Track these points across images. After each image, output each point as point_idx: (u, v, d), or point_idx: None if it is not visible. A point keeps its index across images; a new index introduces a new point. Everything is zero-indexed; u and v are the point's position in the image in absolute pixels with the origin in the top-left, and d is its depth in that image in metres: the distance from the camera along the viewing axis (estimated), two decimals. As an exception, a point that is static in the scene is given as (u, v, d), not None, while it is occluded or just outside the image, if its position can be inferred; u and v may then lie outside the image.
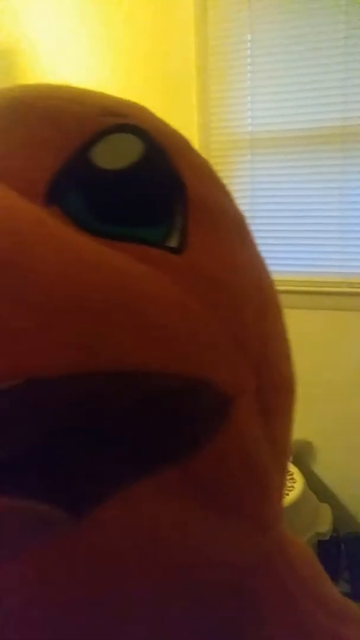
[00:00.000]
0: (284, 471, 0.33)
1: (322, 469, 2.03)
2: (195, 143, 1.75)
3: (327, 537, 1.64)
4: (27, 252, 0.21)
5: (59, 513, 0.22)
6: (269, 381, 0.30)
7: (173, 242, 0.27)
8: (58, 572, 0.24)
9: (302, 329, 1.98)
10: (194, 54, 1.91)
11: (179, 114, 1.98)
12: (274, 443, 0.30)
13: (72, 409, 0.22)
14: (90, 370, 0.21)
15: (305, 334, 1.98)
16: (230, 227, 0.32)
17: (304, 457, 2.02)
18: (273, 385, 0.31)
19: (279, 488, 0.32)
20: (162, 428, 0.24)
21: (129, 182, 0.27)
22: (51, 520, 0.23)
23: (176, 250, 0.27)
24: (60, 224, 0.24)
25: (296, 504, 1.56)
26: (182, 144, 0.33)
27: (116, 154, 0.27)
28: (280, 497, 0.33)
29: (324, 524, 1.66)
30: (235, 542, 0.28)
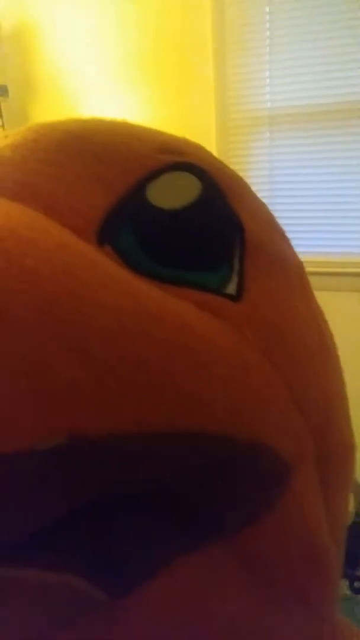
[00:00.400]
0: (340, 549, 0.30)
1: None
2: (213, 121, 1.71)
3: (349, 522, 1.62)
4: (86, 297, 0.19)
5: (97, 592, 0.20)
6: (330, 448, 0.28)
7: (231, 289, 0.25)
8: None
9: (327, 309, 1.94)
10: (211, 28, 1.86)
11: (195, 90, 1.94)
12: (332, 517, 0.27)
13: (116, 473, 0.19)
14: (142, 431, 0.19)
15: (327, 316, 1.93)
16: (289, 274, 0.31)
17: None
18: (334, 453, 0.28)
19: (337, 569, 0.29)
20: (215, 498, 0.22)
21: (185, 223, 0.25)
22: (89, 599, 0.20)
23: (234, 297, 0.25)
24: (116, 266, 0.22)
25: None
26: (241, 185, 0.31)
27: (173, 193, 0.26)
28: (338, 579, 0.30)
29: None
30: (288, 632, 0.26)
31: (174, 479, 0.21)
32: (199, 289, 0.24)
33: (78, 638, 0.21)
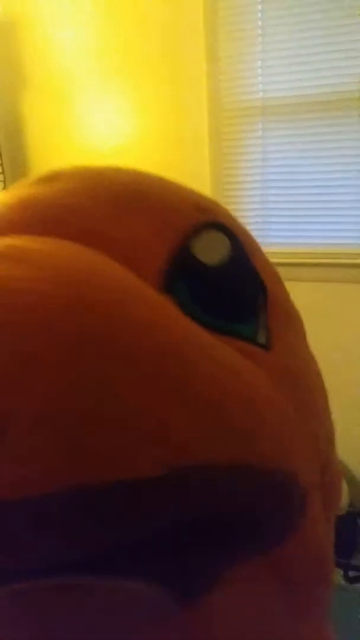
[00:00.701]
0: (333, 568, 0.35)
1: (338, 445, 2.00)
2: (205, 111, 1.70)
3: (344, 512, 1.62)
4: (176, 355, 0.23)
5: (170, 599, 0.24)
6: (329, 478, 0.32)
7: (262, 339, 0.29)
8: None
9: (314, 303, 1.94)
10: (203, 18, 1.84)
11: (187, 80, 1.92)
12: (330, 534, 0.33)
13: (196, 500, 0.23)
14: (214, 463, 0.23)
15: (318, 308, 1.93)
16: (298, 327, 0.35)
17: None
18: (331, 482, 0.33)
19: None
20: (259, 521, 0.26)
21: (224, 278, 0.29)
22: (164, 605, 0.24)
23: (266, 347, 0.29)
24: (188, 319, 0.25)
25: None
26: (257, 244, 0.35)
27: (210, 250, 0.29)
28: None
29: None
30: (303, 634, 0.30)
31: (232, 504, 0.24)
32: (240, 338, 0.27)
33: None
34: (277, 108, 1.84)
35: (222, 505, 0.24)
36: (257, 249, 0.35)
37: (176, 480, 0.22)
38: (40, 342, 0.20)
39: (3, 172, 2.31)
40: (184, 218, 0.30)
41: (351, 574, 1.50)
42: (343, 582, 1.50)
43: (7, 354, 0.20)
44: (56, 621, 0.24)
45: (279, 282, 0.35)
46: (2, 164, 2.31)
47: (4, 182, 2.30)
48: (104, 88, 2.10)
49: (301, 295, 1.71)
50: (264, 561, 0.26)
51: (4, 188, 2.23)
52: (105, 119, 2.13)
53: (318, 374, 0.35)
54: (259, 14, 1.79)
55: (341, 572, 1.51)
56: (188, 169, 2.01)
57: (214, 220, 0.31)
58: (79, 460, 0.21)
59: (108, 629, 0.24)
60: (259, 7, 1.78)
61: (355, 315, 1.90)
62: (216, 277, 0.28)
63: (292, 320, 0.34)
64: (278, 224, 1.93)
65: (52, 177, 0.31)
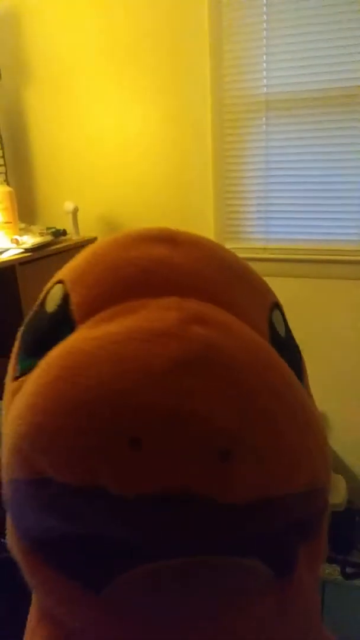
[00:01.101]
0: None
1: (336, 443, 2.00)
2: (208, 106, 1.69)
3: (342, 509, 1.63)
4: (291, 389, 0.35)
5: (267, 570, 0.34)
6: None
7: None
8: (272, 621, 0.35)
9: (314, 299, 1.94)
10: (207, 13, 1.83)
11: (190, 74, 1.91)
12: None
13: (306, 508, 0.36)
14: (314, 487, 0.36)
15: (318, 304, 1.93)
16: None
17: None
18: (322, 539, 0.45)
19: None
20: (314, 520, 0.40)
21: (289, 345, 0.43)
22: (265, 576, 0.34)
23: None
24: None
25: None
26: None
27: (279, 324, 0.42)
28: None
29: (338, 496, 1.64)
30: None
31: (312, 511, 0.38)
32: None
33: (260, 607, 0.34)
34: (280, 103, 1.83)
35: (311, 512, 0.38)
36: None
37: (307, 496, 0.35)
38: (267, 396, 0.32)
39: (5, 165, 2.30)
40: (269, 296, 0.43)
41: (348, 570, 1.50)
42: (340, 578, 1.50)
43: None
44: (192, 592, 0.33)
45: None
46: (4, 156, 2.30)
47: (5, 174, 2.30)
48: (107, 82, 2.08)
49: (302, 291, 1.73)
50: (307, 550, 0.38)
51: (6, 180, 2.23)
52: (108, 112, 2.12)
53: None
54: (264, 9, 1.77)
55: (338, 569, 1.51)
56: (190, 163, 2.00)
57: (276, 300, 0.44)
58: (281, 479, 0.32)
59: (227, 599, 0.34)
60: (264, 2, 1.76)
61: (356, 311, 1.89)
62: (285, 344, 0.40)
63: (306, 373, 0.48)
64: (279, 219, 1.92)
65: (173, 240, 0.40)
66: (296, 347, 0.43)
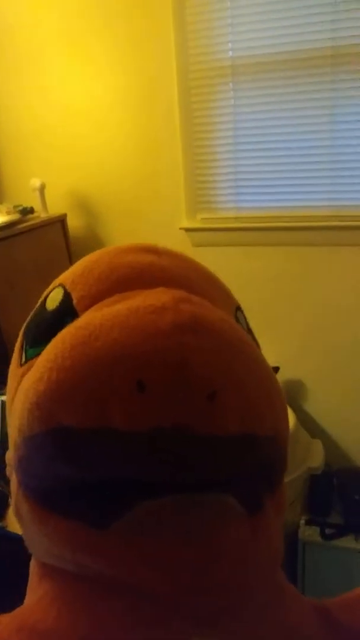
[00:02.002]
0: None
1: (314, 408, 2.04)
2: (173, 74, 1.64)
3: (320, 472, 1.66)
4: (259, 352, 0.46)
5: (241, 508, 0.41)
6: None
7: None
8: (247, 544, 0.42)
9: (288, 267, 1.94)
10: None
11: (154, 42, 1.86)
12: None
13: (268, 452, 0.43)
14: (279, 433, 0.43)
15: (291, 272, 1.94)
16: None
17: (295, 396, 2.03)
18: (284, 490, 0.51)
19: None
20: (278, 467, 0.46)
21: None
22: (234, 513, 0.41)
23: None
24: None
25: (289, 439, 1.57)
26: None
27: (241, 321, 0.52)
28: None
29: (316, 459, 1.68)
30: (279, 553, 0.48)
31: (271, 455, 0.44)
32: None
33: (236, 532, 0.41)
34: (247, 68, 1.79)
35: (275, 457, 0.44)
36: None
37: (272, 440, 0.42)
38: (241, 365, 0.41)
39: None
40: (233, 299, 0.54)
41: (327, 531, 1.54)
42: (320, 539, 1.54)
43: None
44: (186, 522, 0.39)
45: None
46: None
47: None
48: (70, 54, 2.01)
49: (275, 259, 1.72)
50: (272, 500, 0.45)
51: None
52: (71, 86, 2.05)
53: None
54: (227, -31, 1.72)
55: (318, 530, 1.55)
56: (158, 134, 1.96)
57: (238, 304, 0.54)
58: (256, 418, 0.40)
59: (213, 526, 0.40)
60: None
61: (330, 277, 1.90)
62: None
63: None
64: (250, 187, 1.90)
65: (156, 251, 0.50)
66: (257, 344, 0.51)
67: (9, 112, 2.18)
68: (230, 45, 1.80)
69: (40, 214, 2.03)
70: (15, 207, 1.98)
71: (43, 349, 0.42)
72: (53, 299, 0.48)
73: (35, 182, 2.02)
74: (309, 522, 1.57)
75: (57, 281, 0.51)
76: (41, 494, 0.42)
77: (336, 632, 0.50)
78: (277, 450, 0.45)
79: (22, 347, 0.49)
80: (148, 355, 0.36)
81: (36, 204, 2.03)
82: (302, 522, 1.58)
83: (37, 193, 2.02)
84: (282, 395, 0.46)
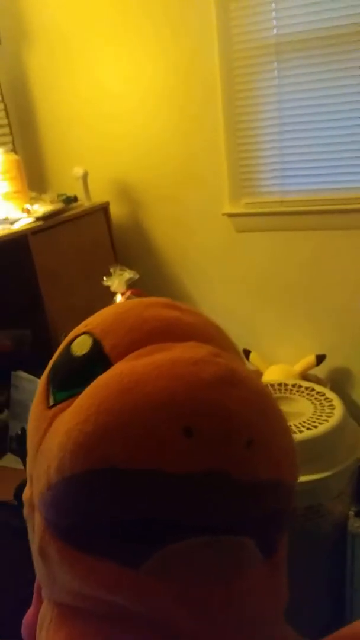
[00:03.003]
0: None
1: (352, 391, 1.98)
2: (214, 52, 1.60)
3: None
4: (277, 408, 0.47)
5: (258, 552, 0.44)
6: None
7: None
8: (259, 590, 0.45)
9: (336, 251, 1.88)
10: None
11: (192, 18, 1.82)
12: None
13: (281, 498, 0.45)
14: (294, 481, 0.47)
15: (342, 256, 1.88)
16: None
17: (342, 384, 1.98)
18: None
19: None
20: (292, 511, 0.48)
21: None
22: (255, 556, 0.44)
23: None
24: None
25: (336, 429, 1.53)
26: None
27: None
28: None
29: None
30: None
31: (282, 502, 0.45)
32: None
33: (257, 574, 0.44)
34: (292, 45, 1.73)
35: (290, 502, 0.46)
36: None
37: (291, 486, 0.45)
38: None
39: (11, 133, 2.25)
40: (237, 347, 0.55)
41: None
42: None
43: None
44: (212, 563, 0.42)
45: None
46: (9, 125, 2.25)
47: (12, 143, 2.25)
48: (109, 41, 2.00)
49: (321, 244, 1.66)
50: (281, 542, 0.48)
51: (13, 149, 2.18)
52: (112, 73, 2.04)
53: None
54: None
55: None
56: (201, 118, 1.92)
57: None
58: (283, 464, 0.43)
59: (229, 567, 0.42)
60: None
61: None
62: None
63: None
64: (295, 169, 1.85)
65: (178, 308, 0.52)
66: None
67: (48, 102, 2.19)
68: (274, 22, 1.74)
69: (84, 203, 2.04)
70: (59, 196, 1.99)
71: (74, 393, 0.45)
72: (81, 345, 0.49)
73: (78, 171, 2.02)
74: (358, 514, 1.54)
75: (81, 328, 0.52)
76: (73, 534, 0.44)
77: None
78: (292, 495, 0.47)
79: (47, 388, 0.50)
80: (195, 403, 0.39)
81: (79, 193, 2.04)
82: (352, 513, 1.54)
83: (80, 181, 2.03)
84: (294, 443, 0.49)
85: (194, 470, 0.39)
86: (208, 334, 0.51)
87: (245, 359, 0.53)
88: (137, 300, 0.54)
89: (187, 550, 0.41)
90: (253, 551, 0.44)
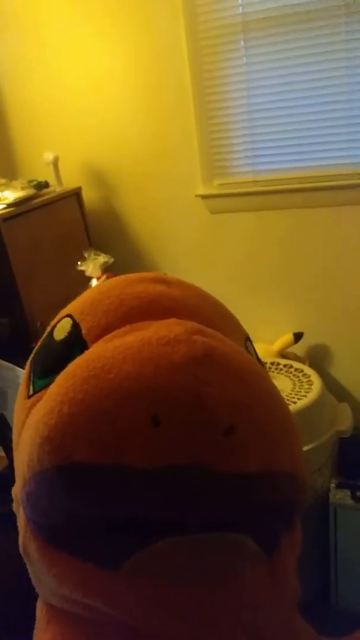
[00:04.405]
0: None
1: (339, 372, 2.02)
2: (181, 33, 1.58)
3: (348, 435, 1.65)
4: (274, 388, 0.45)
5: (258, 548, 0.41)
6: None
7: None
8: (265, 589, 0.42)
9: (310, 230, 1.90)
10: None
11: (160, 3, 1.79)
12: None
13: (276, 491, 0.41)
14: (296, 472, 0.43)
15: (312, 233, 1.89)
16: None
17: (320, 361, 2.01)
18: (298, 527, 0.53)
19: None
20: (297, 505, 0.45)
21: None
22: (250, 553, 0.41)
23: None
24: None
25: (315, 404, 1.56)
26: None
27: (251, 351, 0.52)
28: None
29: (345, 422, 1.67)
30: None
31: (285, 493, 0.42)
32: None
33: (253, 574, 0.41)
34: (258, 23, 1.72)
35: (292, 496, 0.43)
36: None
37: (291, 477, 0.41)
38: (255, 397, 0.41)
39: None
40: (242, 330, 0.51)
41: (359, 493, 1.54)
42: (351, 502, 1.54)
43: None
44: (199, 563, 0.39)
45: None
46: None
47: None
48: (78, 20, 1.96)
49: (294, 223, 1.68)
50: (288, 537, 0.45)
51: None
52: (79, 55, 2.00)
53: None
54: None
55: (349, 493, 1.55)
56: (170, 100, 1.91)
57: (247, 335, 0.52)
58: (274, 454, 0.39)
59: (228, 568, 0.40)
60: None
61: (352, 239, 1.86)
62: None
63: None
64: (267, 149, 1.85)
65: (166, 281, 0.49)
66: (267, 374, 0.50)
67: (18, 87, 2.14)
68: (239, 1, 1.72)
69: (55, 188, 2.01)
70: (29, 182, 1.96)
71: (52, 381, 0.41)
72: (61, 329, 0.47)
73: (49, 156, 1.99)
74: (339, 486, 1.57)
75: (64, 311, 0.50)
76: (51, 532, 0.41)
77: None
78: (295, 487, 0.43)
79: (29, 378, 0.48)
80: (162, 389, 0.35)
81: (50, 179, 2.01)
82: (333, 485, 1.58)
83: (51, 167, 2.00)
84: (298, 430, 0.44)
85: (159, 464, 0.35)
86: (195, 308, 0.46)
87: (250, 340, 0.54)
88: (123, 277, 0.50)
89: (169, 550, 0.38)
90: (250, 548, 0.41)
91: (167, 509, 0.36)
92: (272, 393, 0.42)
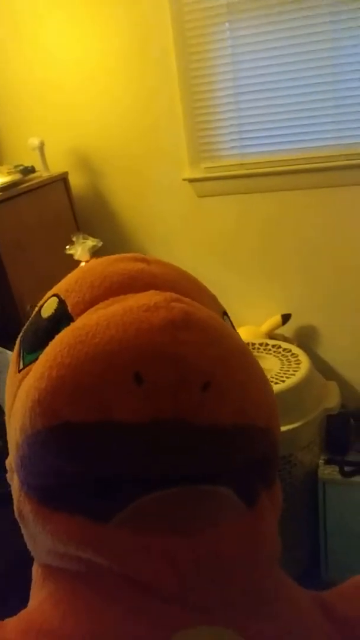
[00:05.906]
0: None
1: (327, 351, 2.05)
2: (167, 17, 1.57)
3: (336, 412, 1.69)
4: (247, 348, 0.47)
5: (238, 500, 0.45)
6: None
7: None
8: (247, 538, 0.45)
9: (297, 211, 1.91)
10: None
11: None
12: None
13: (253, 444, 0.45)
14: (272, 426, 0.46)
15: (300, 215, 1.91)
16: None
17: (308, 341, 2.04)
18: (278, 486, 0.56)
19: None
20: (273, 461, 0.50)
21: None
22: (232, 505, 0.44)
23: None
24: None
25: (303, 382, 1.59)
26: None
27: (229, 323, 0.56)
28: None
29: (332, 400, 1.70)
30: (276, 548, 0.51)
31: (265, 447, 0.47)
32: None
33: (232, 525, 0.44)
34: (243, 4, 1.71)
35: (269, 451, 0.47)
36: None
37: (266, 432, 0.44)
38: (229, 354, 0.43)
39: None
40: (219, 306, 0.55)
41: (347, 469, 1.58)
42: (340, 477, 1.58)
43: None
44: (184, 515, 0.42)
45: None
46: None
47: None
48: (60, 2, 1.93)
49: (282, 204, 1.70)
50: (268, 497, 0.48)
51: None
52: (63, 35, 1.98)
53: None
54: None
55: (337, 469, 1.59)
56: (156, 83, 1.90)
57: (224, 310, 0.55)
58: (250, 408, 0.42)
59: (212, 517, 0.43)
60: None
61: (338, 219, 1.87)
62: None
63: None
64: (253, 131, 1.85)
65: (145, 260, 0.52)
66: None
67: (1, 70, 2.12)
68: (224, -20, 1.71)
69: (42, 173, 2.00)
70: (15, 167, 1.95)
71: (41, 354, 0.44)
72: (48, 307, 0.50)
73: (34, 141, 1.98)
74: (327, 462, 1.61)
75: (50, 292, 0.53)
76: (44, 492, 0.44)
77: (334, 621, 0.52)
78: (271, 445, 0.47)
79: (19, 354, 0.51)
80: (143, 349, 0.38)
81: (37, 163, 2.00)
82: (321, 462, 1.61)
83: (37, 152, 1.99)
84: (273, 394, 0.48)
85: (146, 418, 0.38)
86: (174, 283, 0.49)
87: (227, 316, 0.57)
88: (105, 257, 0.53)
89: (157, 502, 0.41)
90: (231, 500, 0.44)
91: (153, 463, 0.40)
92: (248, 354, 0.45)
